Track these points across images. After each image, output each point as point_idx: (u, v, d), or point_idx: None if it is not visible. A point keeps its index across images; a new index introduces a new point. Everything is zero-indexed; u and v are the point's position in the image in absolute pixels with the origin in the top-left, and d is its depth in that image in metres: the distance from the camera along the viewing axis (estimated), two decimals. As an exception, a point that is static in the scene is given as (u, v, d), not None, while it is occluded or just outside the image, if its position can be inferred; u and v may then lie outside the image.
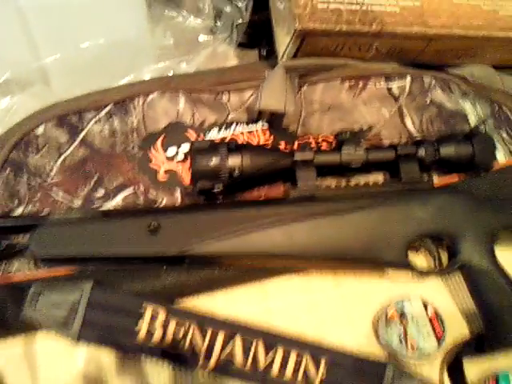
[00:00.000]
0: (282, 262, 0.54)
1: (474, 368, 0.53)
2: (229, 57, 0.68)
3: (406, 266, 0.53)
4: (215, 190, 0.54)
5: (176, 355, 0.50)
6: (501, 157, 0.61)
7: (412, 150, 0.56)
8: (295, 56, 0.60)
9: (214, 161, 0.53)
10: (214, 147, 0.54)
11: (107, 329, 0.51)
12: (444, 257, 0.56)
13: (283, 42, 0.58)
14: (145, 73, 0.64)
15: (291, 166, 0.55)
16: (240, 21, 0.66)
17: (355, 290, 0.57)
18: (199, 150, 0.54)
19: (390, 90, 0.63)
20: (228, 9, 0.66)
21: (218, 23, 0.67)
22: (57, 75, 0.63)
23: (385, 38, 0.58)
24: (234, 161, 0.53)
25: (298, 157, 0.55)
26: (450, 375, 0.53)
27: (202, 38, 0.67)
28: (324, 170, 0.57)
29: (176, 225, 0.51)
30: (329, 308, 0.56)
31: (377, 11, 0.57)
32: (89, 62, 0.63)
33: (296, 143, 0.60)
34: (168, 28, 0.66)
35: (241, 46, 0.69)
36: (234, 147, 0.54)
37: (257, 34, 0.68)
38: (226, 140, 0.60)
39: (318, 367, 0.50)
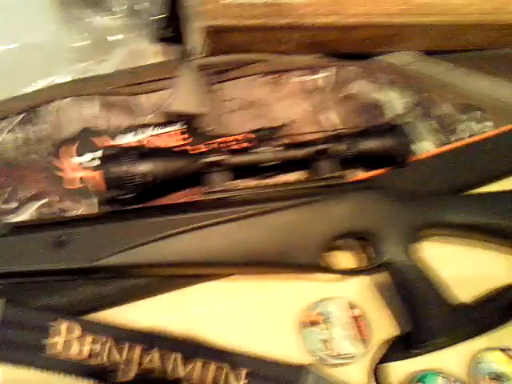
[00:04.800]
0: (199, 270, 0.52)
1: (403, 368, 0.51)
2: (149, 54, 0.65)
3: (319, 268, 0.52)
4: (126, 198, 0.51)
5: (95, 370, 0.49)
6: (429, 146, 0.59)
7: (328, 145, 0.54)
8: (214, 52, 0.57)
9: (123, 168, 0.51)
10: (122, 153, 0.52)
11: (20, 347, 0.49)
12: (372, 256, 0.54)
13: (191, 39, 0.55)
14: (60, 77, 0.62)
15: (204, 169, 0.53)
16: (158, 15, 0.63)
17: (280, 292, 0.54)
18: (108, 157, 0.52)
19: (313, 82, 0.60)
20: (146, 4, 0.63)
21: (136, 20, 0.64)
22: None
23: (301, 30, 0.55)
24: (143, 167, 0.51)
25: (210, 159, 0.53)
26: (375, 378, 0.51)
27: (120, 36, 0.64)
28: (243, 171, 0.55)
29: (82, 237, 0.49)
30: (253, 313, 0.54)
31: (290, 3, 0.54)
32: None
33: (212, 144, 0.58)
34: (84, 29, 0.63)
35: (164, 41, 0.66)
36: (145, 152, 0.52)
37: (179, 28, 0.64)
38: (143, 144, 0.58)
39: (238, 379, 0.48)
